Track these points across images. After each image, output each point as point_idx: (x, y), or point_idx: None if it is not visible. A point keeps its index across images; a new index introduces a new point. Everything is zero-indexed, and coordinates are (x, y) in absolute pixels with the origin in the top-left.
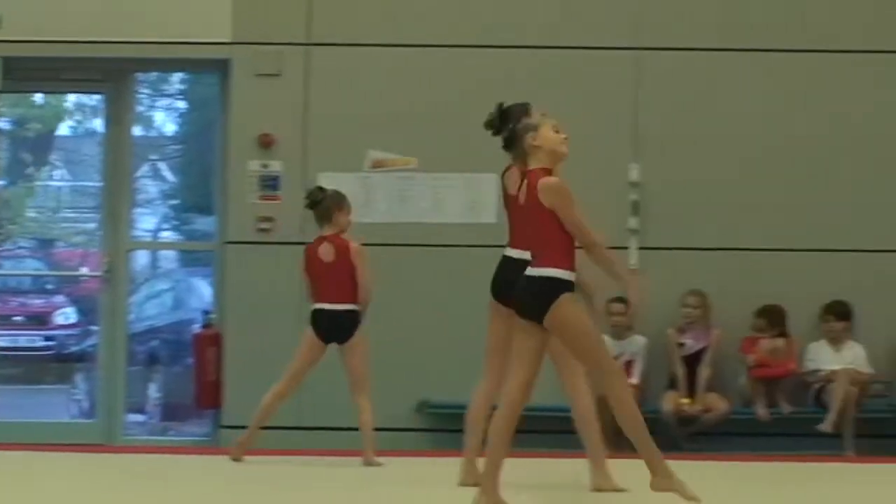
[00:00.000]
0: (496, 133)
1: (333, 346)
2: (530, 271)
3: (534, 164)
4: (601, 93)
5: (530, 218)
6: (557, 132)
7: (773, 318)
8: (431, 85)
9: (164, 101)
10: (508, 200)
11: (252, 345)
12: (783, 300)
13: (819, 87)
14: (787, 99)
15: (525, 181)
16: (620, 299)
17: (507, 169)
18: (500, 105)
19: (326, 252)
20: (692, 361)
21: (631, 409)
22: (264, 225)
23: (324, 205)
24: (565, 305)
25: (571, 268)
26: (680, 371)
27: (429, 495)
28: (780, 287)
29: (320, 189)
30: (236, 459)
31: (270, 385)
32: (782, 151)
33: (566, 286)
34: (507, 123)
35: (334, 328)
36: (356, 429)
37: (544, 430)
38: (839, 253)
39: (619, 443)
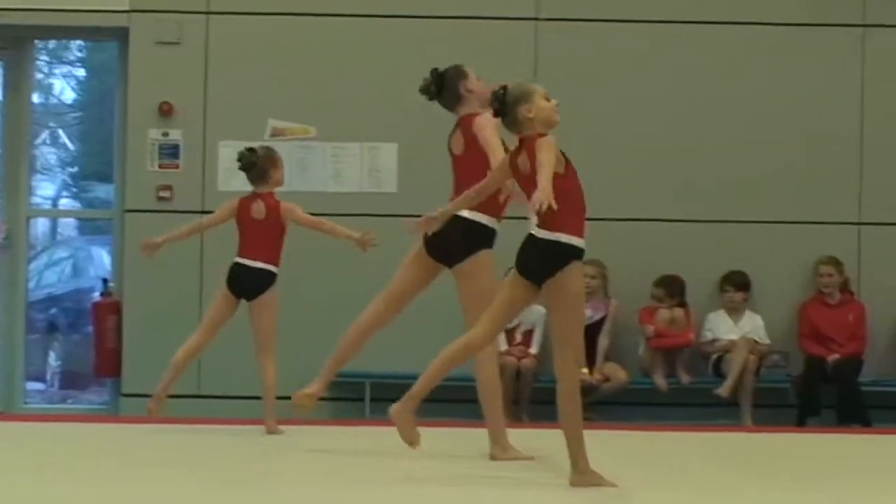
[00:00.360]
0: (432, 98)
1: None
2: (541, 233)
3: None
4: (501, 63)
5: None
6: (548, 100)
7: (671, 289)
8: (331, 54)
9: (63, 69)
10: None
11: (151, 313)
12: (681, 271)
13: (719, 59)
14: (688, 70)
15: (524, 150)
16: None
17: (454, 132)
18: (435, 70)
19: (258, 210)
20: (591, 332)
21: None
22: (164, 193)
23: (259, 165)
24: (574, 274)
25: (582, 234)
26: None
27: (332, 463)
28: (679, 257)
29: (250, 150)
30: (152, 412)
31: (170, 354)
32: (682, 123)
33: (577, 253)
34: (443, 88)
35: (246, 284)
36: (257, 397)
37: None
38: (737, 224)
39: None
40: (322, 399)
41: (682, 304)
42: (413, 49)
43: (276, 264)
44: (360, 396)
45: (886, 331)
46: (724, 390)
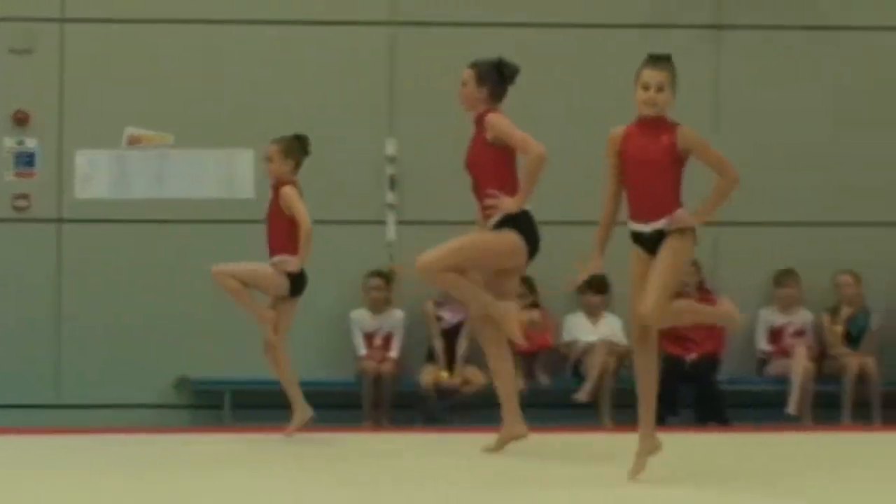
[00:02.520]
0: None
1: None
2: None
3: None
4: (357, 67)
5: None
6: (645, 89)
7: (524, 289)
8: (187, 61)
9: None
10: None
11: (5, 322)
12: (537, 273)
13: (568, 62)
14: (540, 72)
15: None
16: (379, 273)
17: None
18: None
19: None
20: (451, 335)
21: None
22: (20, 202)
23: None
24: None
25: None
26: (438, 344)
27: (193, 474)
28: (537, 260)
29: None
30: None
31: (27, 362)
32: (536, 122)
33: None
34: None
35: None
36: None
37: None
38: (588, 226)
39: None
40: (178, 406)
41: (536, 305)
42: (268, 55)
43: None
44: (219, 404)
45: (743, 330)
46: (583, 395)
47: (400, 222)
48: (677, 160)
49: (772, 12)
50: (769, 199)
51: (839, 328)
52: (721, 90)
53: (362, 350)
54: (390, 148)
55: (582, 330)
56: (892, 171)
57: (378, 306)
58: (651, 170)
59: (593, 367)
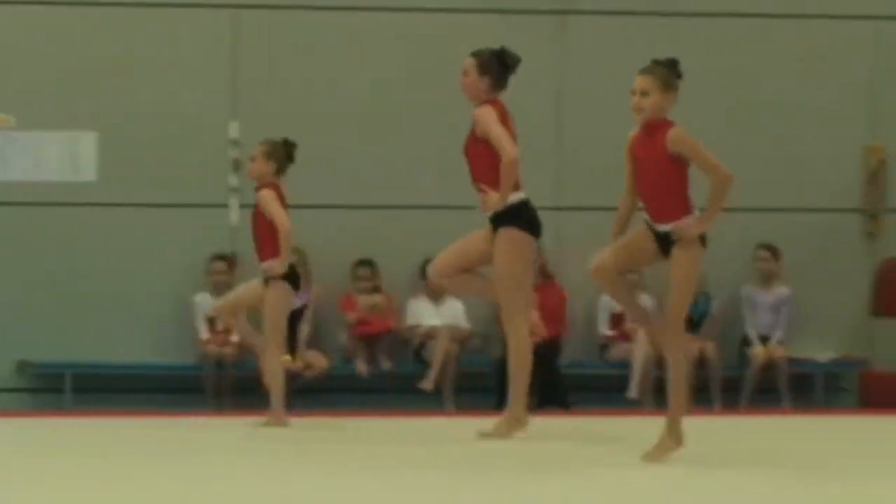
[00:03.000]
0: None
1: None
2: None
3: None
4: (198, 51)
5: None
6: (631, 94)
7: (367, 272)
8: (29, 42)
9: None
10: None
11: None
12: (381, 257)
13: (421, 47)
14: (385, 55)
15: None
16: (222, 257)
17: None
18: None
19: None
20: (293, 319)
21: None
22: None
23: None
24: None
25: None
26: None
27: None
28: (377, 244)
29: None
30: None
31: None
32: (377, 109)
33: None
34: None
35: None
36: None
37: None
38: (433, 210)
39: None
40: (19, 390)
41: (378, 289)
42: (113, 37)
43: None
44: (59, 387)
45: (583, 314)
46: (427, 383)
47: (243, 206)
48: (673, 161)
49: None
50: (616, 185)
51: None
52: (566, 76)
53: (204, 334)
54: (233, 131)
55: (424, 314)
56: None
57: (221, 290)
58: (651, 171)
59: (436, 354)
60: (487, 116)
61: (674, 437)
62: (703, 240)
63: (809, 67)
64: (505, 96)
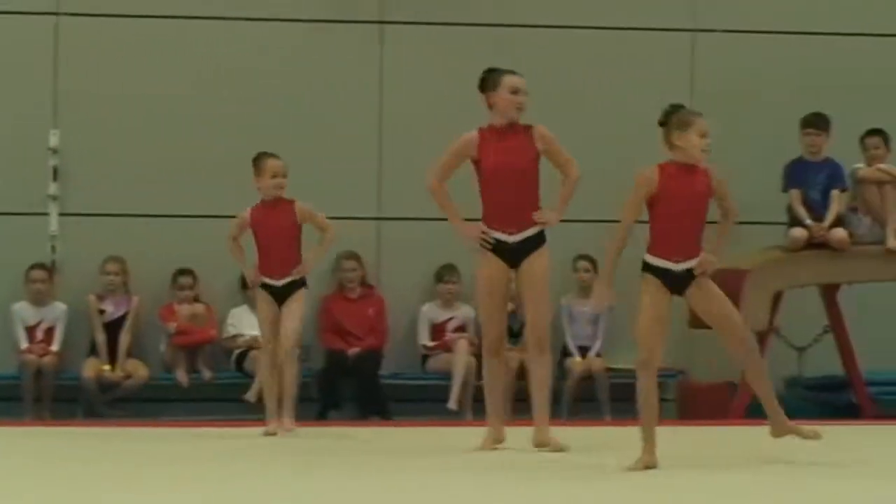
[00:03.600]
0: None
1: None
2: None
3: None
4: (19, 58)
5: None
6: (703, 137)
7: (188, 281)
8: None
9: None
10: None
11: None
12: (199, 266)
13: (239, 55)
14: (209, 65)
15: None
16: (41, 266)
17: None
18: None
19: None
20: (113, 328)
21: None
22: None
23: None
24: None
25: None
26: (100, 338)
27: None
28: (197, 253)
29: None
30: None
31: None
32: (200, 118)
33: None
34: None
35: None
36: None
37: None
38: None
39: None
40: None
41: (197, 299)
42: None
43: None
44: None
45: (404, 323)
46: (251, 395)
47: (62, 214)
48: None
49: (434, 9)
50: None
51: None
52: (385, 84)
53: (24, 343)
54: (53, 139)
55: (246, 323)
56: None
57: (40, 298)
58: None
59: (259, 364)
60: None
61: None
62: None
63: (633, 77)
64: (325, 105)
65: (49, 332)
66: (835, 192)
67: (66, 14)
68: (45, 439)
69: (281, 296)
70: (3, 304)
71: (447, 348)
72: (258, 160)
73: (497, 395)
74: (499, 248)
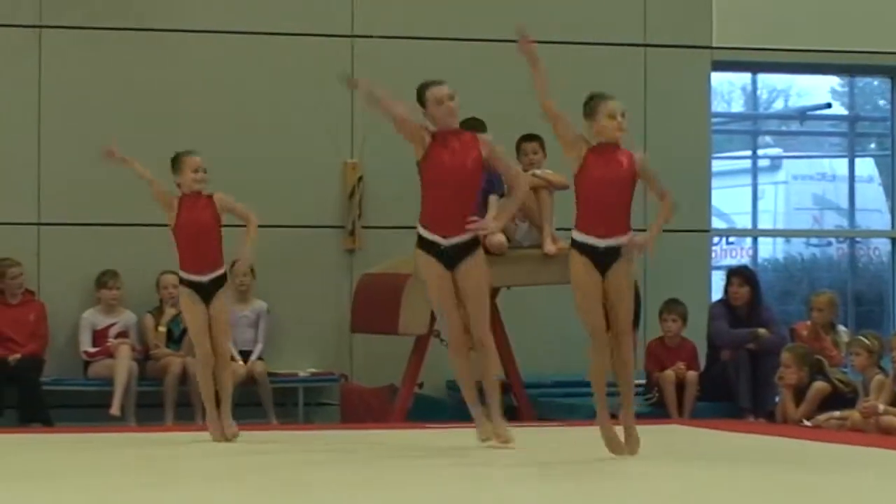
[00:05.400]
0: None
1: None
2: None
3: None
4: None
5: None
6: (611, 118)
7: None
8: None
9: None
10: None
11: None
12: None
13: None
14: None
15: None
16: None
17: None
18: None
19: None
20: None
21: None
22: None
23: None
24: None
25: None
26: None
27: None
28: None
29: None
30: None
31: None
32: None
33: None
34: None
35: None
36: None
37: None
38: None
39: None
40: None
41: None
42: None
43: None
44: None
45: (65, 329)
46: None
47: None
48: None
49: (91, 14)
50: (93, 200)
51: (162, 329)
52: (43, 88)
53: None
54: None
55: None
56: None
57: None
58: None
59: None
60: None
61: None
62: None
63: (291, 84)
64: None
65: None
66: (492, 198)
67: None
68: None
69: (206, 292)
70: None
71: (110, 354)
72: (176, 159)
73: (472, 391)
74: (434, 251)
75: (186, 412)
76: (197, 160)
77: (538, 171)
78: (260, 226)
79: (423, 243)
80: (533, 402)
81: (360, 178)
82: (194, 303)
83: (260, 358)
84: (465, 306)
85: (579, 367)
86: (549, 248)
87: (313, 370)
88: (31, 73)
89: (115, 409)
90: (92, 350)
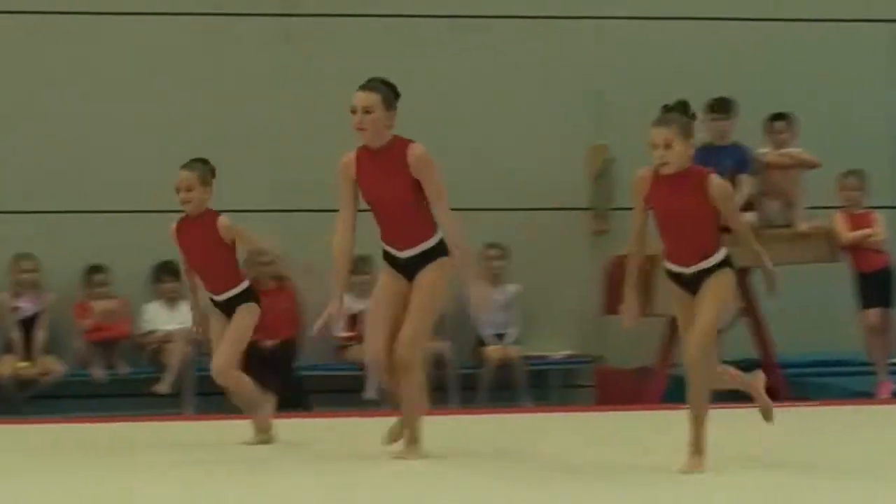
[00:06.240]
0: None
1: None
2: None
3: None
4: None
5: None
6: (653, 148)
7: (102, 277)
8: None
9: None
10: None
11: None
12: (111, 261)
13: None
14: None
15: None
16: None
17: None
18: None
19: None
20: (28, 325)
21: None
22: None
23: None
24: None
25: None
26: (15, 335)
27: None
28: (108, 248)
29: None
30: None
31: None
32: (102, 114)
33: None
34: None
35: None
36: None
37: None
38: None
39: None
40: None
41: (113, 296)
42: None
43: None
44: None
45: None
46: (163, 386)
47: None
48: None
49: None
50: None
51: None
52: None
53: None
54: None
55: (160, 318)
56: None
57: None
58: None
59: (173, 359)
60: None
61: None
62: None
63: (534, 69)
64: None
65: None
66: (742, 177)
67: None
68: None
69: (227, 311)
70: None
71: (361, 339)
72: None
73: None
74: (392, 262)
75: (439, 396)
76: (181, 176)
77: (789, 150)
78: (509, 209)
79: None
80: (789, 382)
81: (610, 160)
82: (217, 321)
83: (514, 341)
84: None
85: (833, 346)
86: (802, 226)
87: (567, 352)
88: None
89: (372, 393)
90: (345, 335)
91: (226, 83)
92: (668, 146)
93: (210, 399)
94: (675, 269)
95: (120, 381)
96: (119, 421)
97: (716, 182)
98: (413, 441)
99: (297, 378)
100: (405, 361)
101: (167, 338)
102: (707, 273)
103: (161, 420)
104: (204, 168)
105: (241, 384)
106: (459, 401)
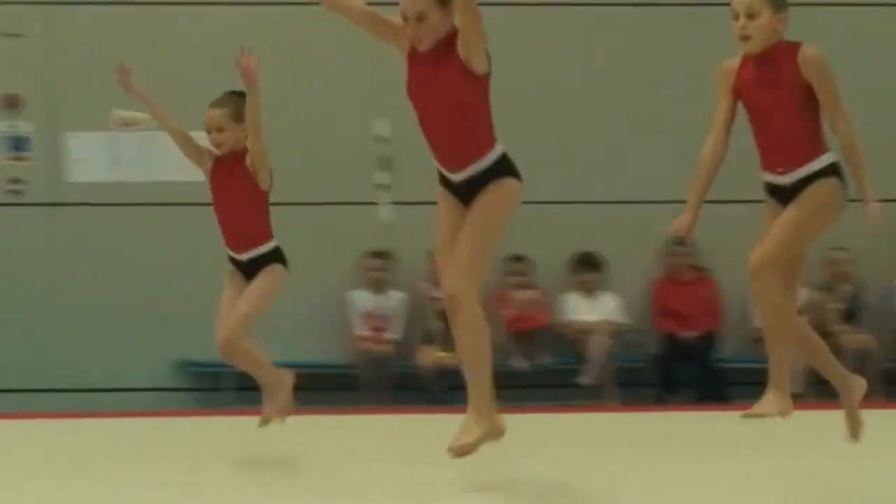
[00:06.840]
0: None
1: None
2: None
3: None
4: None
5: None
6: (734, 19)
7: (521, 267)
8: (177, 44)
9: None
10: None
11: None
12: (533, 251)
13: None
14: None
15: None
16: (378, 254)
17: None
18: None
19: None
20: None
21: None
22: (13, 186)
23: None
24: None
25: None
26: (435, 325)
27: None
28: (527, 239)
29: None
30: None
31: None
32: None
33: None
34: None
35: None
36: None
37: None
38: (587, 205)
39: None
40: (178, 389)
41: (530, 286)
42: (271, 40)
43: None
44: (218, 387)
45: (738, 306)
46: (587, 377)
47: (396, 202)
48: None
49: None
50: None
51: (837, 306)
52: None
53: (361, 331)
54: (381, 129)
55: (579, 309)
56: None
57: (378, 286)
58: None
59: (594, 350)
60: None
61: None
62: None
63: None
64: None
65: (386, 319)
66: None
67: None
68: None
69: (248, 273)
70: (339, 293)
71: None
72: None
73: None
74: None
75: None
76: (209, 115)
77: None
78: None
79: None
80: None
81: None
82: (231, 281)
83: None
84: None
85: None
86: None
87: None
88: None
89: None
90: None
91: None
92: (750, 16)
93: (627, 390)
94: (770, 178)
95: (541, 372)
96: (541, 412)
97: (809, 52)
98: (477, 411)
99: (718, 370)
100: (456, 298)
101: (588, 327)
102: (808, 182)
103: (586, 410)
104: (236, 101)
105: (254, 361)
106: (885, 394)
